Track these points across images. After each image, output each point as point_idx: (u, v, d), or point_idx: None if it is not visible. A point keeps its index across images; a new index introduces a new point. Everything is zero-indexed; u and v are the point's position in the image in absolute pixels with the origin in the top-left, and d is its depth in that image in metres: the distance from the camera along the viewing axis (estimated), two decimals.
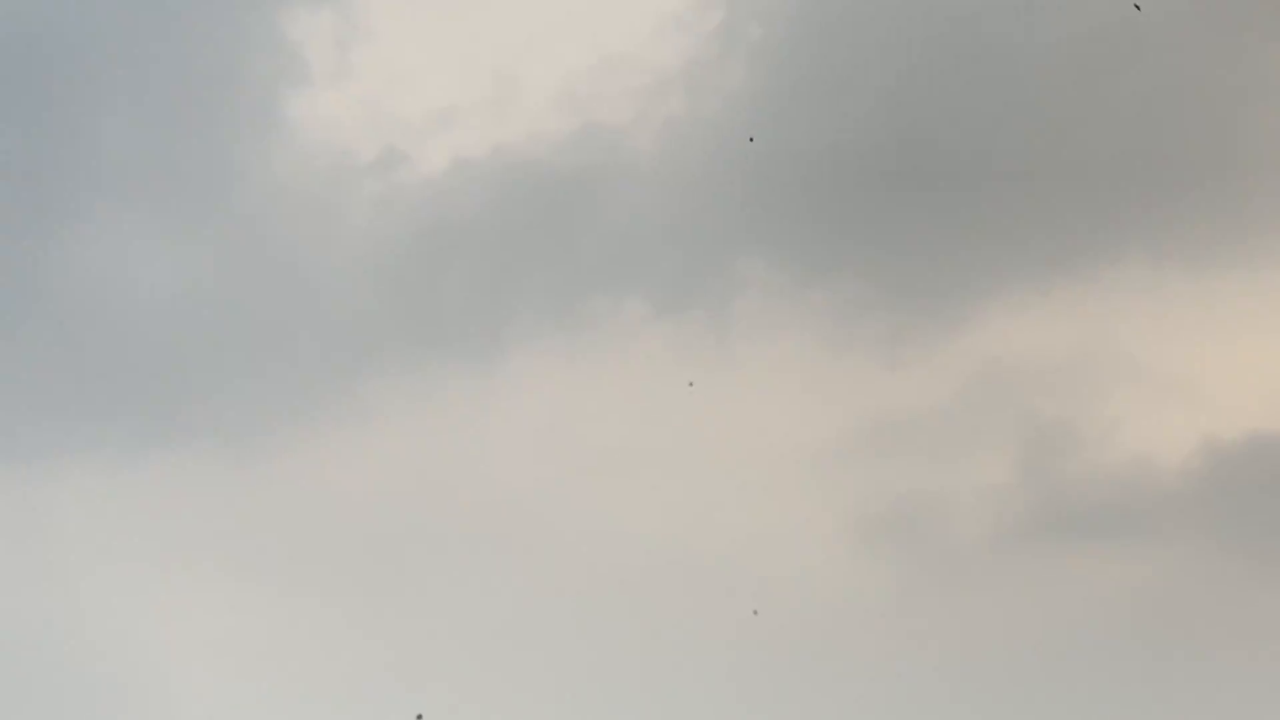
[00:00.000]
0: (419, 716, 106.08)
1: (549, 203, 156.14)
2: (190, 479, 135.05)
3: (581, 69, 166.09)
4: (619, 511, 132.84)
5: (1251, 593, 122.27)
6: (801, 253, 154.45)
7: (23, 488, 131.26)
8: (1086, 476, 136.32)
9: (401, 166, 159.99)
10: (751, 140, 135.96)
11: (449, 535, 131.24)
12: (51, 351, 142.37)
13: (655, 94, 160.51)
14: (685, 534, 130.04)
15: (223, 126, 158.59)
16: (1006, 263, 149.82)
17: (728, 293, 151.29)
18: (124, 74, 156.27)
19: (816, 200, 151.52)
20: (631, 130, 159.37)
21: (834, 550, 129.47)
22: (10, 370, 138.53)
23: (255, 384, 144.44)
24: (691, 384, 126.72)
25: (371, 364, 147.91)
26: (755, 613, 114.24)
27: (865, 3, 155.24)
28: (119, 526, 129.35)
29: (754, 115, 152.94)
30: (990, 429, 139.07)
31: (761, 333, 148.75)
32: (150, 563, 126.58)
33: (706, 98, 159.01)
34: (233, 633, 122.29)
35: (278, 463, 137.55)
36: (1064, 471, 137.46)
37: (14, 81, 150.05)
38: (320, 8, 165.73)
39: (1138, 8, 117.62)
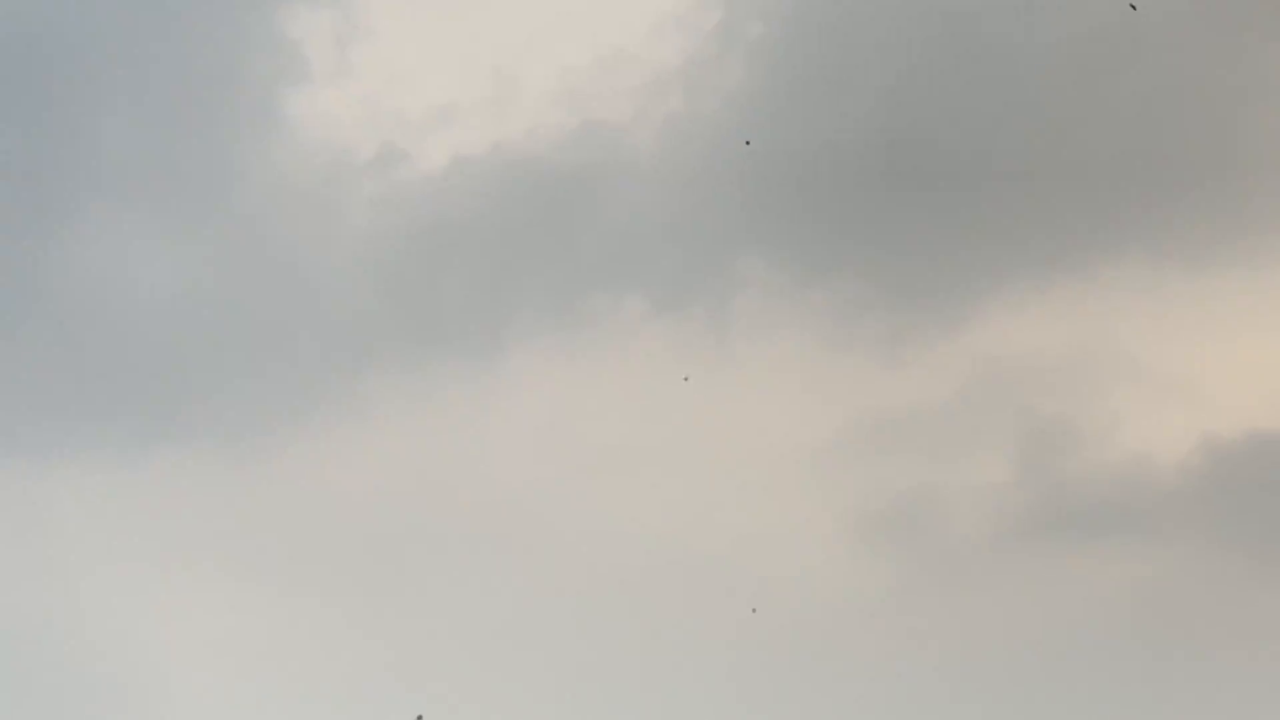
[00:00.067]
0: (419, 717, 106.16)
1: (548, 201, 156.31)
2: (190, 478, 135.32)
3: (581, 67, 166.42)
4: (619, 510, 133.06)
5: (1251, 590, 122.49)
6: (801, 251, 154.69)
7: (23, 486, 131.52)
8: (1086, 475, 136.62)
9: (401, 164, 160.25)
10: (748, 144, 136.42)
11: (449, 534, 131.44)
12: (52, 351, 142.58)
13: (654, 92, 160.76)
14: (685, 532, 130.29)
15: (222, 125, 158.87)
16: (1006, 262, 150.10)
17: (727, 291, 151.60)
18: (124, 73, 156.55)
19: (816, 199, 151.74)
20: (631, 128, 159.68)
21: (834, 548, 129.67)
22: (11, 369, 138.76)
23: (255, 383, 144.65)
24: (687, 378, 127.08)
25: (371, 362, 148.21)
26: (754, 611, 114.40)
27: (864, 2, 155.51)
28: (119, 525, 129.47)
29: (753, 114, 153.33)
30: (990, 427, 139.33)
31: (761, 331, 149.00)
32: (150, 561, 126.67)
33: (706, 96, 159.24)
34: (232, 631, 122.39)
35: (277, 461, 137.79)
36: (1063, 470, 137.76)
37: (14, 81, 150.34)
38: (320, 6, 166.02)
39: (1133, 7, 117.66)
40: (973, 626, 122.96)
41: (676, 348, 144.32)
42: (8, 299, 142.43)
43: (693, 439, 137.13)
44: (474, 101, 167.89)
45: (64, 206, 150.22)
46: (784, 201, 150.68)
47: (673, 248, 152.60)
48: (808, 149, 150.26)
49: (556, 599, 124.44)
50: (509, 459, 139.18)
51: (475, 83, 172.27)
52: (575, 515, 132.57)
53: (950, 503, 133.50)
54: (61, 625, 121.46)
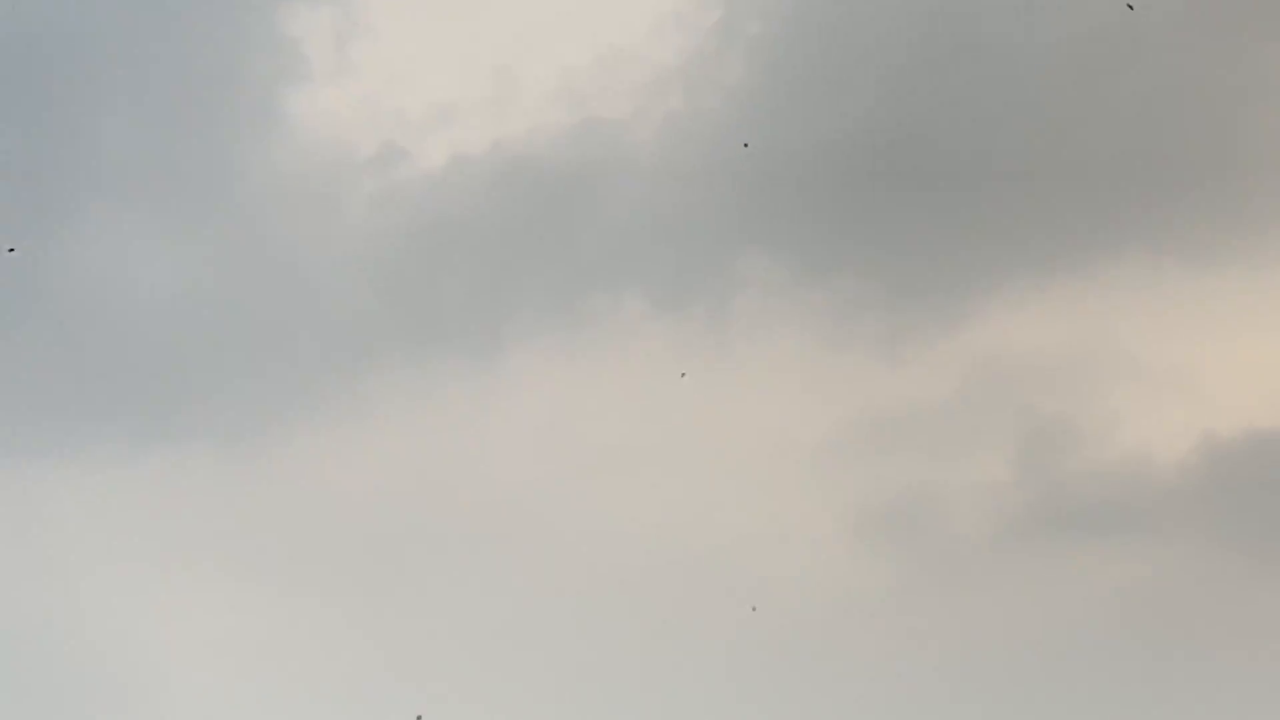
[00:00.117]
0: (419, 717, 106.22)
1: (548, 199, 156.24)
2: (189, 476, 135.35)
3: (581, 65, 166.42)
4: (618, 508, 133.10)
5: (1250, 588, 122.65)
6: (801, 250, 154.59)
7: (23, 485, 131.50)
8: (1085, 473, 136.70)
9: (401, 163, 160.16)
10: (746, 146, 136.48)
11: (448, 532, 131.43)
12: (51, 350, 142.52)
13: (654, 90, 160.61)
14: (684, 530, 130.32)
15: (222, 124, 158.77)
16: (1006, 260, 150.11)
17: (727, 290, 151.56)
18: (124, 72, 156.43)
19: (816, 198, 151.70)
20: (631, 126, 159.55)
21: (833, 547, 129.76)
22: (11, 369, 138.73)
23: (254, 381, 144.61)
24: (684, 374, 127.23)
25: (371, 361, 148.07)
26: (754, 609, 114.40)
27: (864, 0, 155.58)
28: (119, 524, 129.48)
29: (753, 112, 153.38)
30: (989, 426, 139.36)
31: (761, 330, 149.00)
32: (150, 560, 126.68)
33: (706, 94, 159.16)
34: (232, 631, 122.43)
35: (277, 460, 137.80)
36: (1063, 468, 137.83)
37: (14, 81, 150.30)
38: (320, 5, 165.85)
39: (1130, 6, 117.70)
40: (972, 625, 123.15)
41: (676, 347, 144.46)
42: (7, 299, 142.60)
43: (692, 437, 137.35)
44: (474, 100, 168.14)
45: (63, 205, 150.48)
46: (784, 200, 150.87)
47: (673, 246, 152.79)
48: (807, 148, 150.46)
49: (556, 598, 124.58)
50: (509, 458, 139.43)
51: (475, 81, 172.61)
52: (575, 514, 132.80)
53: (950, 501, 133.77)
54: (61, 624, 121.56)
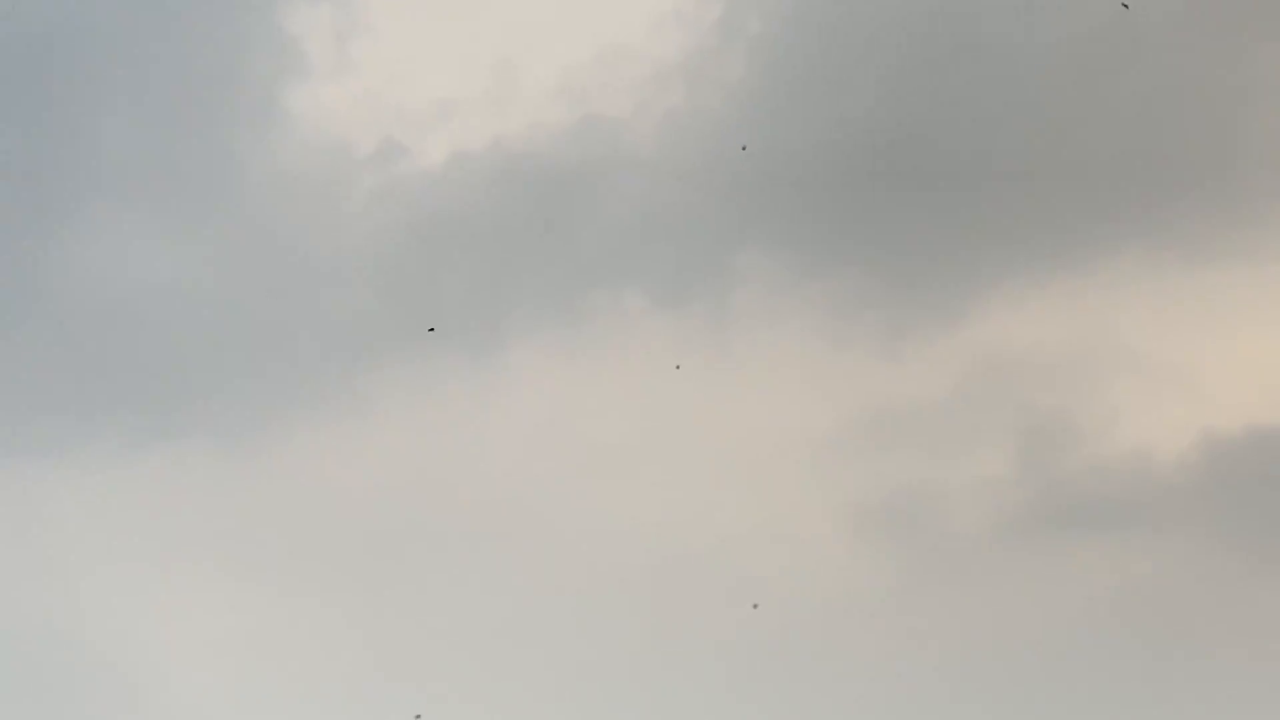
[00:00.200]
0: (417, 717, 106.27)
1: (548, 195, 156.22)
2: (189, 474, 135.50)
3: (581, 61, 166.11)
4: (617, 505, 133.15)
5: (1250, 585, 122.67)
6: (801, 246, 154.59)
7: (22, 484, 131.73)
8: (1085, 469, 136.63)
9: (401, 159, 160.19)
10: (744, 149, 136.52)
11: (448, 529, 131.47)
12: (50, 347, 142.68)
13: (655, 87, 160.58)
14: (683, 527, 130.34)
15: (222, 120, 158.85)
16: (1006, 257, 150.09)
17: (727, 286, 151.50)
18: (124, 68, 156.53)
19: (816, 194, 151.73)
20: (631, 123, 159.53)
21: (833, 543, 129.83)
22: (10, 366, 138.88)
23: (253, 379, 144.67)
24: (679, 366, 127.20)
25: (370, 358, 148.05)
26: (755, 606, 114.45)
27: None
28: (118, 522, 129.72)
29: (754, 109, 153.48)
30: (989, 422, 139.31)
31: (761, 326, 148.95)
32: (149, 558, 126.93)
33: (706, 91, 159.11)
34: (231, 629, 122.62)
35: (276, 457, 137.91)
36: (1063, 464, 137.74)
37: (14, 81, 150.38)
38: (319, 1, 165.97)
39: (1125, 5, 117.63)
40: (972, 621, 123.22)
41: (676, 344, 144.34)
42: (7, 297, 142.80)
43: (691, 433, 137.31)
44: (474, 97, 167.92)
45: (63, 199, 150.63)
46: (784, 197, 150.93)
47: (673, 244, 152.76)
48: (808, 145, 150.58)
49: (556, 594, 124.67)
50: (508, 454, 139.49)
51: (475, 78, 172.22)
52: (574, 510, 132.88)
53: (950, 498, 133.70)
54: (60, 622, 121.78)
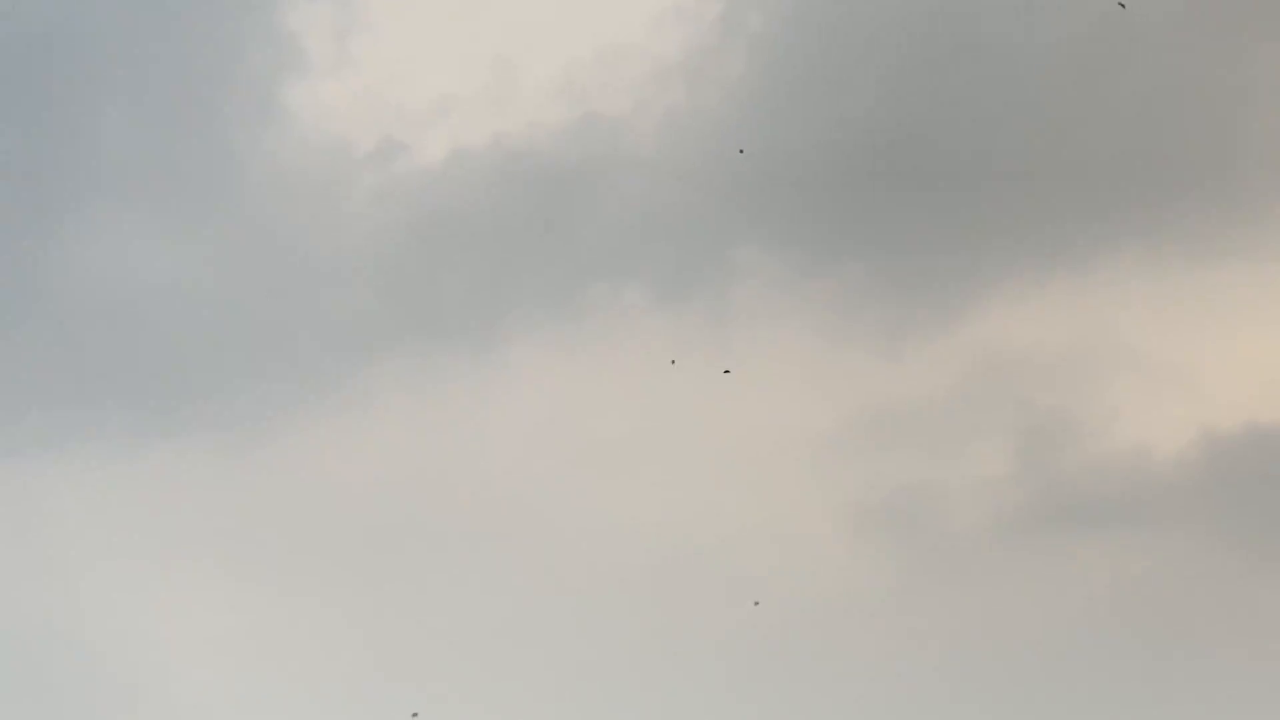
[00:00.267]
0: (415, 715, 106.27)
1: (548, 193, 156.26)
2: (190, 471, 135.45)
3: (581, 59, 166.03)
4: (617, 502, 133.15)
5: (1249, 583, 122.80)
6: (800, 244, 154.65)
7: (23, 481, 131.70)
8: (1085, 467, 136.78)
9: (401, 157, 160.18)
10: (742, 152, 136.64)
11: (448, 526, 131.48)
12: (51, 345, 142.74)
13: (655, 85, 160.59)
14: (683, 525, 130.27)
15: (221, 117, 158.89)
16: (1005, 255, 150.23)
17: (727, 284, 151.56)
18: (124, 65, 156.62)
19: (816, 192, 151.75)
20: (631, 120, 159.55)
21: (832, 542, 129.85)
22: (11, 364, 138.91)
23: (254, 376, 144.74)
24: (674, 361, 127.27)
25: (370, 354, 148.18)
26: (756, 604, 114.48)
27: None
28: (118, 519, 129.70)
29: (753, 107, 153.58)
30: (989, 420, 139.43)
31: (760, 323, 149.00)
32: (149, 555, 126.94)
33: (706, 88, 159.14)
34: (231, 625, 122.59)
35: (277, 454, 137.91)
36: (1062, 462, 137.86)
37: (14, 79, 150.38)
38: None
39: (1122, 5, 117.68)
40: (972, 620, 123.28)
41: (676, 341, 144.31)
42: (7, 296, 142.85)
43: (691, 431, 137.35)
44: (474, 94, 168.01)
45: (63, 199, 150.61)
46: (784, 195, 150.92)
47: (672, 241, 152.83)
48: (808, 143, 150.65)
49: (555, 592, 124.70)
50: (508, 451, 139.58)
51: (475, 75, 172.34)
52: (573, 507, 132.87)
53: (949, 496, 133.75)
54: (60, 620, 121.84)
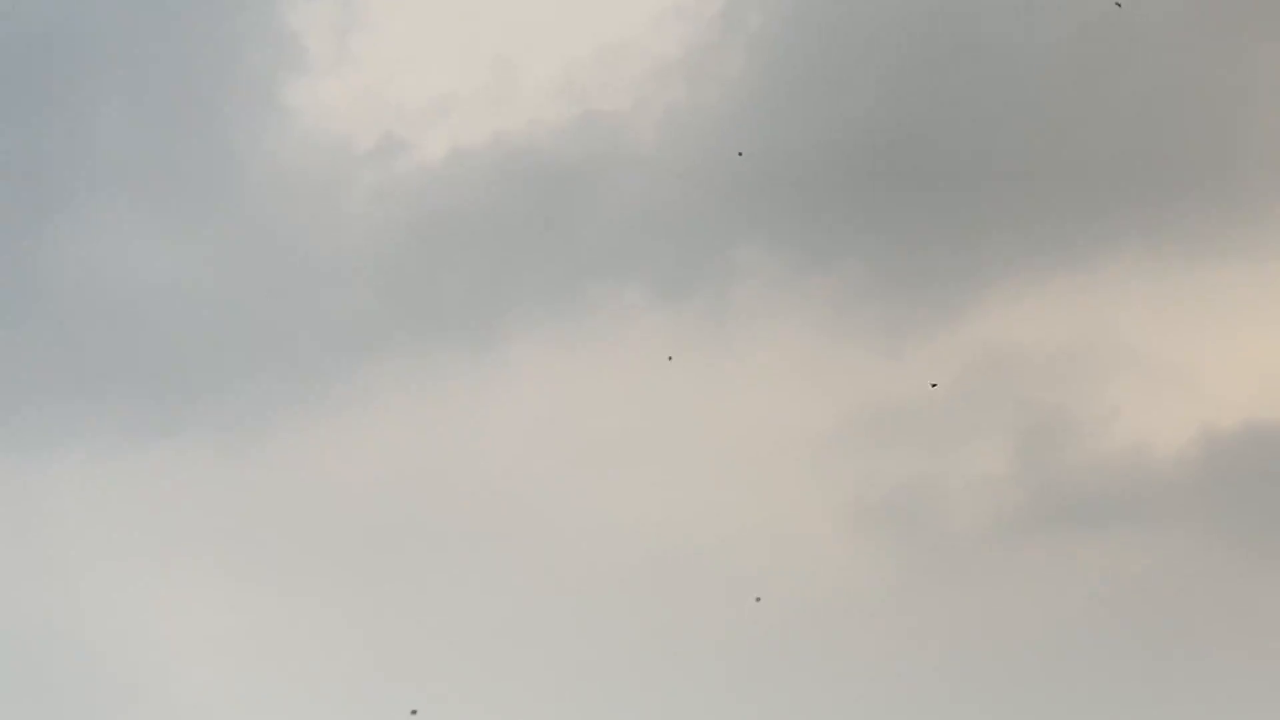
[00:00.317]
0: (414, 713, 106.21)
1: (548, 191, 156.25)
2: (189, 470, 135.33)
3: (581, 57, 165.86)
4: (616, 500, 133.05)
5: (1249, 582, 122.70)
6: (801, 241, 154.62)
7: (22, 480, 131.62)
8: (1084, 466, 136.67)
9: (400, 155, 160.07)
10: (741, 155, 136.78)
11: (448, 525, 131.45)
12: (50, 344, 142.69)
13: (655, 82, 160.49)
14: (682, 523, 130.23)
15: (221, 115, 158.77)
16: (1005, 254, 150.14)
17: (727, 282, 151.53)
18: (123, 64, 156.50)
19: (816, 190, 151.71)
20: (631, 118, 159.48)
21: (832, 540, 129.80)
22: (9, 362, 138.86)
23: (253, 374, 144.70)
24: (671, 358, 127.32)
25: (370, 353, 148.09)
26: (758, 600, 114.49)
27: None
28: (117, 518, 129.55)
29: (754, 105, 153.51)
30: (988, 418, 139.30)
31: (760, 321, 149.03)
32: (148, 554, 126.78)
33: (707, 86, 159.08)
34: (230, 624, 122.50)
35: (276, 452, 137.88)
36: (1062, 461, 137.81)
37: (13, 80, 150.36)
38: None
39: (1118, 4, 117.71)
40: (971, 618, 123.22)
41: (676, 339, 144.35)
42: (6, 294, 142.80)
43: (690, 430, 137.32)
44: (473, 91, 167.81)
45: (62, 198, 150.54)
46: (784, 193, 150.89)
47: (672, 239, 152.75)
48: (808, 141, 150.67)
49: (555, 590, 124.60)
50: (508, 450, 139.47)
51: (475, 73, 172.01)
52: (574, 506, 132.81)
53: (949, 494, 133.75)
54: (59, 619, 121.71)
